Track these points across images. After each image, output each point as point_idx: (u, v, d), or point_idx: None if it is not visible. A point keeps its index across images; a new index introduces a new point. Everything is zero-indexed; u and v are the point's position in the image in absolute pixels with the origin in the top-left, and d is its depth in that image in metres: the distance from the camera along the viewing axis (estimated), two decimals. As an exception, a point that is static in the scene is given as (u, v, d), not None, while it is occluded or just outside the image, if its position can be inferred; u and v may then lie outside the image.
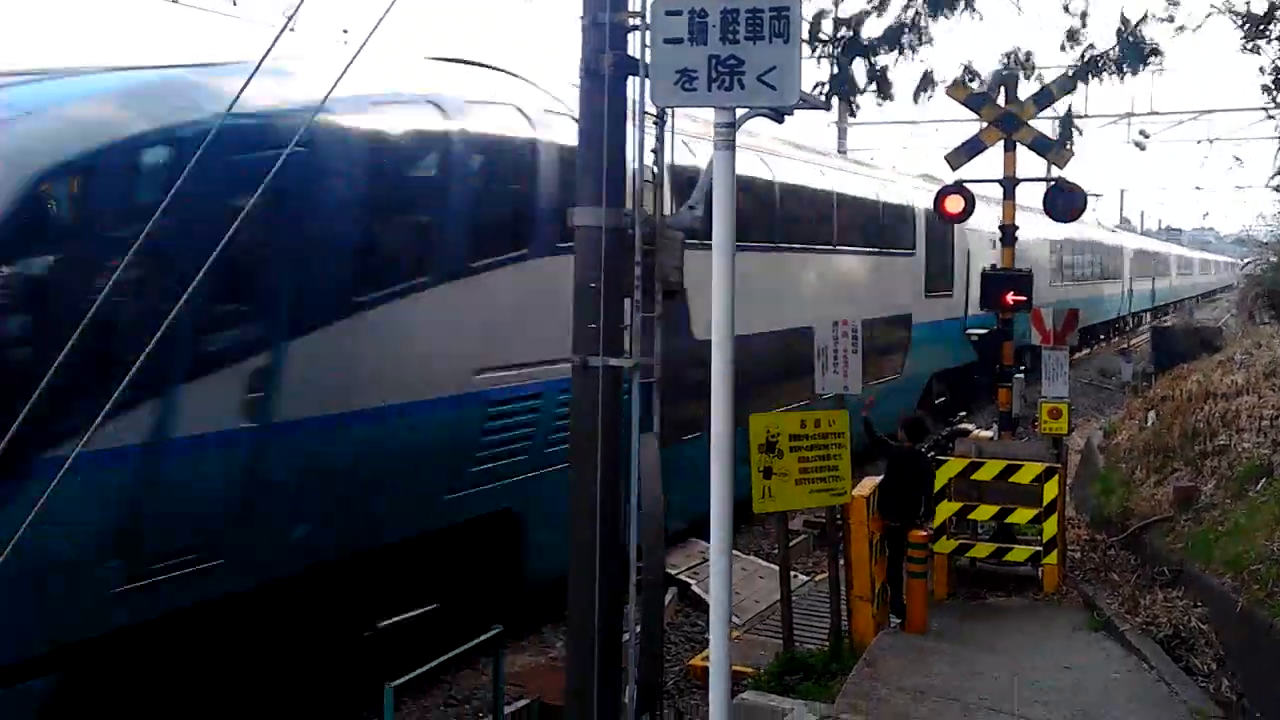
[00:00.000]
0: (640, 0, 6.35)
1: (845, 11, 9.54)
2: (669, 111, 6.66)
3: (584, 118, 6.59)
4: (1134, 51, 10.34)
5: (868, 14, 9.10)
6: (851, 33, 9.03)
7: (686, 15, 4.41)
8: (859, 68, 9.26)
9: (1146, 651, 8.93)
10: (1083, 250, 36.96)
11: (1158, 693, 8.23)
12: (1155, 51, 10.52)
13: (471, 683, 9.52)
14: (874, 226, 18.67)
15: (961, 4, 9.74)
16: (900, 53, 9.23)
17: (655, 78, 4.58)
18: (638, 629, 7.24)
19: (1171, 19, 10.64)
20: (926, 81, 10.64)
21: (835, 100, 9.51)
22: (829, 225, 16.67)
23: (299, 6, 5.67)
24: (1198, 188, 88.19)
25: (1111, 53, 10.45)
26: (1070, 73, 11.07)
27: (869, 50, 9.12)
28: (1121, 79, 10.80)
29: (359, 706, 9.04)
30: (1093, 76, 10.82)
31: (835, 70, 8.75)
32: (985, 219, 23.05)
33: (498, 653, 7.92)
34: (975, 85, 11.72)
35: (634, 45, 6.45)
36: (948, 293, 21.70)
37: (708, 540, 13.32)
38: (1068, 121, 11.75)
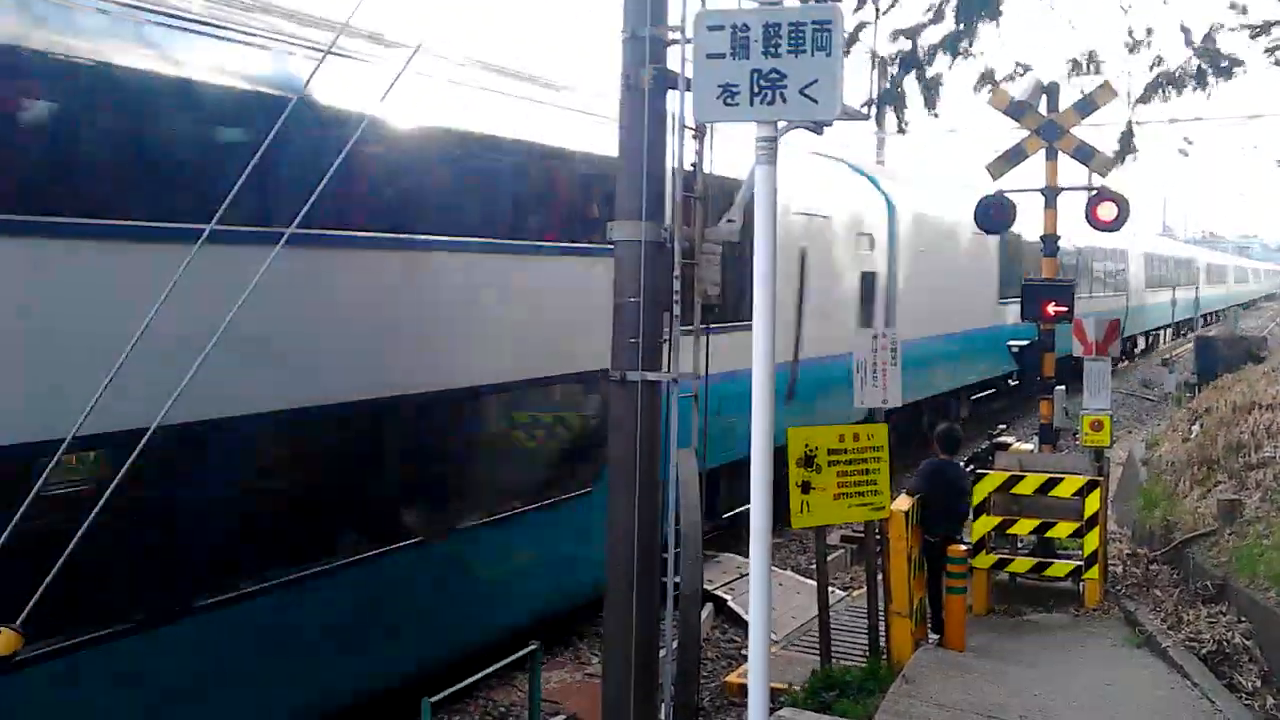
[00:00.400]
0: (680, 13, 6.35)
1: (896, 22, 9.54)
2: (709, 125, 6.65)
3: (623, 131, 6.59)
4: (1214, 64, 10.19)
5: (924, 26, 9.05)
6: (910, 43, 8.97)
7: (729, 30, 4.38)
8: (910, 79, 9.21)
9: (1189, 668, 8.79)
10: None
11: (1201, 710, 8.09)
12: (1236, 63, 10.35)
13: (507, 699, 9.51)
14: (538, 200, 10.49)
15: (993, 13, 9.65)
16: (957, 56, 9.13)
17: (697, 92, 4.56)
18: (674, 645, 7.22)
19: (1245, 26, 10.48)
20: (986, 79, 10.47)
21: (889, 113, 9.43)
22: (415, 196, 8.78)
23: None
24: (1241, 194, 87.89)
25: (1189, 65, 10.30)
26: (1142, 89, 10.94)
27: (925, 61, 9.05)
28: (1206, 92, 10.60)
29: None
30: (1172, 91, 10.66)
31: (887, 85, 8.70)
32: (841, 200, 16.27)
33: (534, 669, 7.90)
34: (1020, 86, 11.59)
35: (674, 59, 6.45)
36: (739, 324, 11.79)
37: (744, 556, 13.27)
38: (1127, 138, 11.63)
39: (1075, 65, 11.88)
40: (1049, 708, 7.95)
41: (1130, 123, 11.69)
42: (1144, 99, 11.55)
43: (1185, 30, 10.49)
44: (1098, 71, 11.87)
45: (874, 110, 8.57)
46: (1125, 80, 11.61)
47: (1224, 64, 10.70)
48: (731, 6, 4.94)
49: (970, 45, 9.24)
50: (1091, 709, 8.01)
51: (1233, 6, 10.87)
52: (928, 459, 10.45)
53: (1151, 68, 11.07)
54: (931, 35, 9.46)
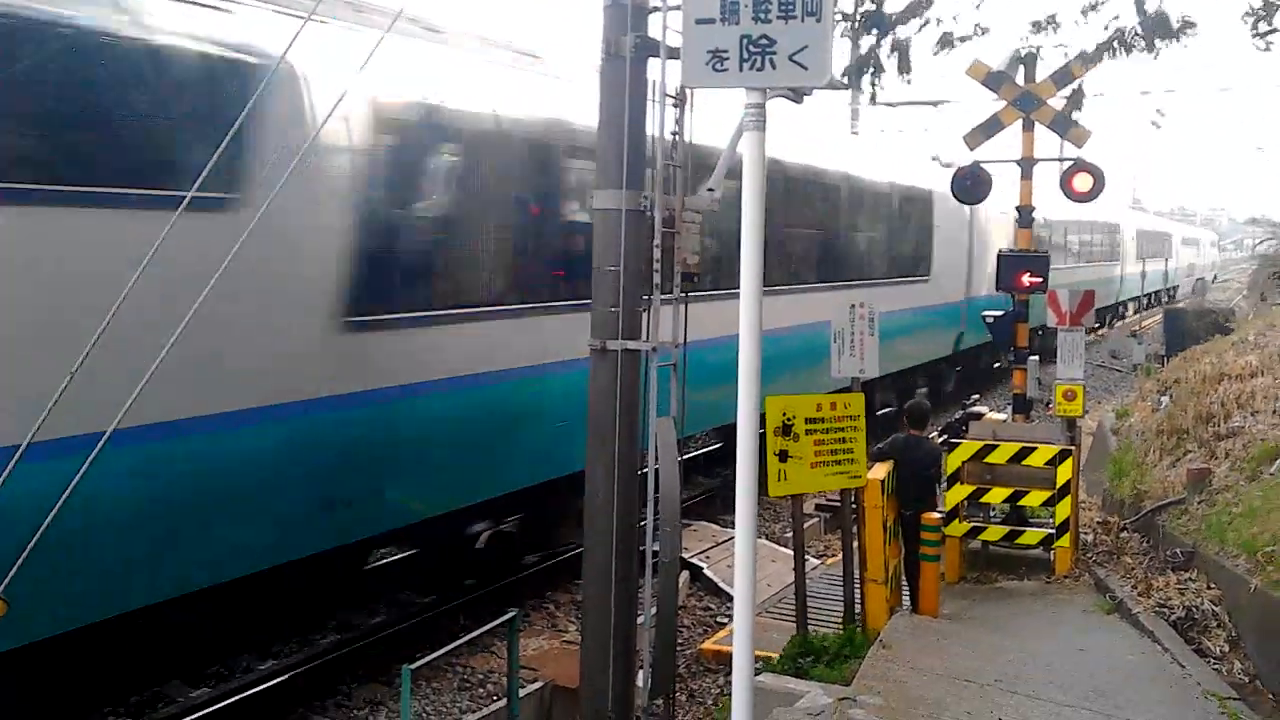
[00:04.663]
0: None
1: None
2: (689, 93, 6.63)
3: (604, 99, 6.55)
4: (1163, 24, 10.12)
5: None
6: (875, 6, 8.94)
7: (719, -6, 4.34)
8: (884, 46, 9.17)
9: (1159, 634, 8.92)
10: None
11: (1171, 674, 8.21)
12: (1189, 24, 10.30)
13: (485, 665, 9.55)
14: None
15: None
16: (924, 21, 9.10)
17: (686, 59, 4.52)
18: (653, 612, 7.25)
19: None
20: (944, 41, 10.33)
21: (864, 80, 9.36)
22: None
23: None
24: (1210, 168, 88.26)
25: (1138, 27, 10.24)
26: (1093, 48, 10.87)
27: (892, 24, 9.01)
28: (1154, 54, 10.54)
29: (377, 688, 9.11)
30: (1121, 50, 10.59)
31: (860, 51, 8.67)
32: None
33: (513, 636, 7.93)
34: (992, 59, 11.58)
35: (655, 27, 6.42)
36: None
37: (719, 525, 13.32)
38: (1078, 97, 11.62)
39: (1036, 26, 11.83)
40: (1023, 672, 8.06)
41: (1080, 82, 11.65)
42: (1094, 59, 11.51)
43: None
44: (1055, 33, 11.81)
45: (859, 77, 8.54)
46: (1079, 43, 11.55)
47: (1176, 26, 10.66)
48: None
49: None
50: (1064, 673, 8.11)
51: None
52: (895, 434, 10.52)
53: (1105, 28, 11.03)
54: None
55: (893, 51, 9.22)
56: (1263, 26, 9.88)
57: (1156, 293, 52.19)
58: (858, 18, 9.07)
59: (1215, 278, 70.76)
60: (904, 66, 9.31)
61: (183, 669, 8.88)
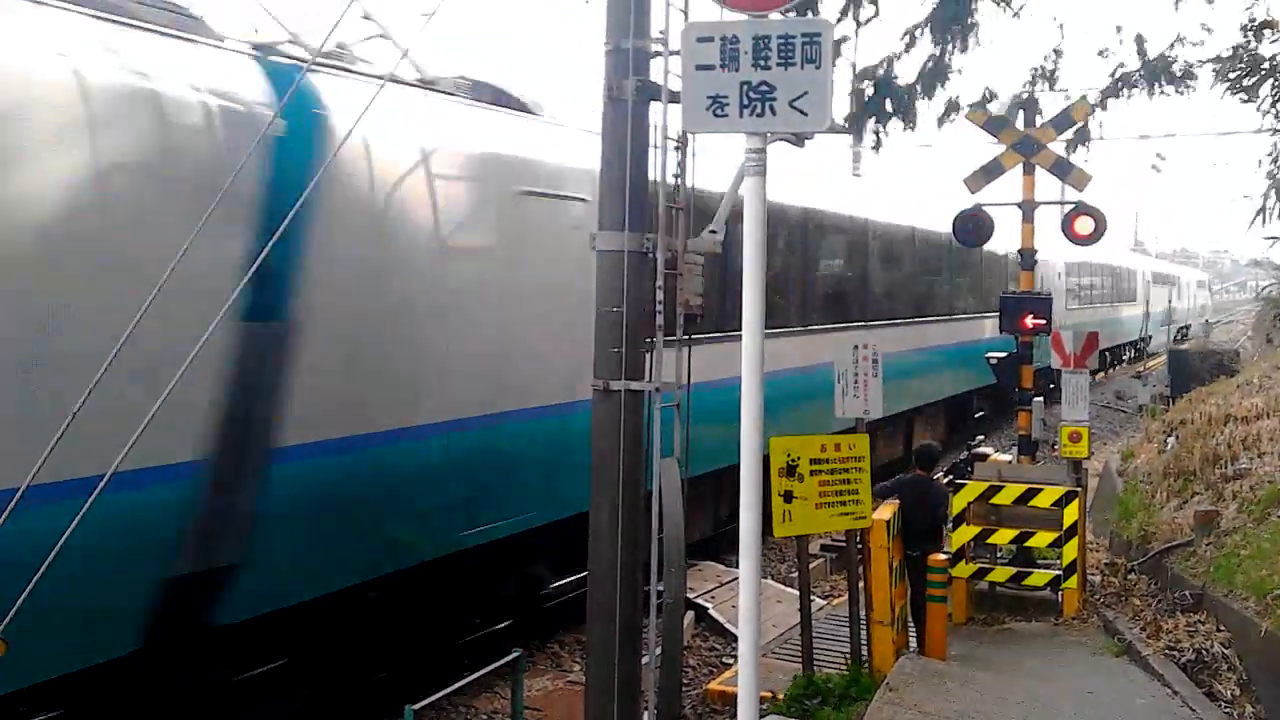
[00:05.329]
0: (663, 26, 6.40)
1: (872, 47, 9.67)
2: (691, 136, 6.69)
3: (606, 143, 6.61)
4: (1166, 72, 10.29)
5: (899, 56, 9.23)
6: (884, 72, 9.12)
7: (718, 41, 4.41)
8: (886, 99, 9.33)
9: (1169, 677, 8.86)
10: None
11: (1181, 718, 8.16)
12: (1190, 75, 10.47)
13: (489, 706, 9.49)
14: None
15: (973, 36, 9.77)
16: (932, 94, 9.30)
17: (686, 104, 4.59)
18: (658, 652, 7.23)
19: (1203, 43, 10.66)
20: (950, 108, 10.56)
21: (867, 129, 9.51)
22: None
23: None
24: (1212, 210, 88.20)
25: (1140, 71, 10.40)
26: (1098, 91, 11.04)
27: (902, 91, 9.18)
28: (1151, 96, 10.69)
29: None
30: (1123, 91, 10.74)
31: (867, 99, 8.82)
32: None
33: (517, 676, 7.89)
34: (994, 107, 11.70)
35: (656, 71, 6.49)
36: None
37: (724, 564, 13.26)
38: (1083, 130, 11.73)
39: (1037, 75, 11.96)
40: (1031, 716, 8.00)
41: (1086, 121, 11.77)
42: (1101, 104, 11.64)
43: (1140, 40, 10.59)
44: (1052, 86, 11.96)
45: (859, 125, 8.67)
46: (1089, 88, 11.68)
47: (1178, 74, 10.82)
48: (715, 19, 4.96)
49: (943, 83, 9.36)
50: (1074, 717, 8.06)
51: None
52: (902, 474, 10.52)
53: (1113, 75, 11.17)
54: (907, 64, 9.61)
55: (897, 111, 9.36)
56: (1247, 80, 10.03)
57: (1114, 348, 39.06)
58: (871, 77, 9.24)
59: (1208, 323, 62.00)
60: (909, 121, 9.45)
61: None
